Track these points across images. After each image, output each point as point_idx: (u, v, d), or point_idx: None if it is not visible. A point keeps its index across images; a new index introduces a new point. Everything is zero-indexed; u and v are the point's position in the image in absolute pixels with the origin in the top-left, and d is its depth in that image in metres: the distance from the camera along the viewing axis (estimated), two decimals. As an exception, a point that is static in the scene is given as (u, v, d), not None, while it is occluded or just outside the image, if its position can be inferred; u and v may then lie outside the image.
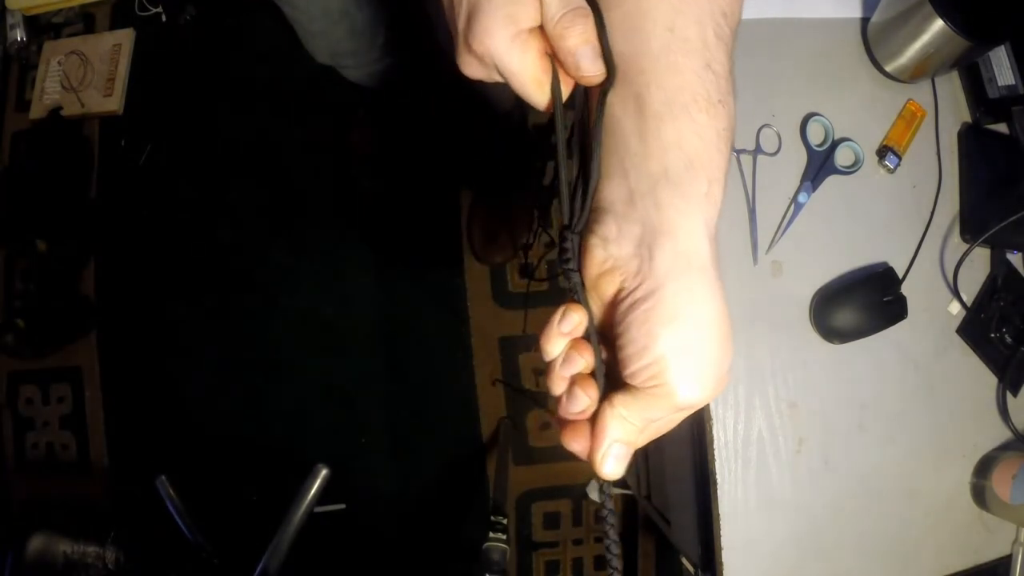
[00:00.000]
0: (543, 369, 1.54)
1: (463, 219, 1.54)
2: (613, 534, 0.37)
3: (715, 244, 0.32)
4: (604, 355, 0.35)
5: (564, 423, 0.35)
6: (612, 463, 0.34)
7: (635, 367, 0.32)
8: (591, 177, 0.34)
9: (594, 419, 0.34)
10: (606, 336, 0.35)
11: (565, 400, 0.35)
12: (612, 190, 0.33)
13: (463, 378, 1.48)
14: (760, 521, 0.67)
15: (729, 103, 0.33)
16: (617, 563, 0.38)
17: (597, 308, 0.35)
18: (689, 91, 0.32)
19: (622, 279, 0.33)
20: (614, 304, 0.33)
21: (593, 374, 0.35)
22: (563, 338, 0.35)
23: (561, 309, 0.34)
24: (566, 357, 0.35)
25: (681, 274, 0.31)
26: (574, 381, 0.35)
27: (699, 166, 0.32)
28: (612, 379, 0.35)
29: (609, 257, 0.33)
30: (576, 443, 0.35)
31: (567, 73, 0.34)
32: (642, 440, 0.34)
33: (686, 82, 0.32)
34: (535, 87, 0.35)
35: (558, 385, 0.35)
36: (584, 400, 0.34)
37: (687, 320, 0.31)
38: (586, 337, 0.35)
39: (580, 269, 0.34)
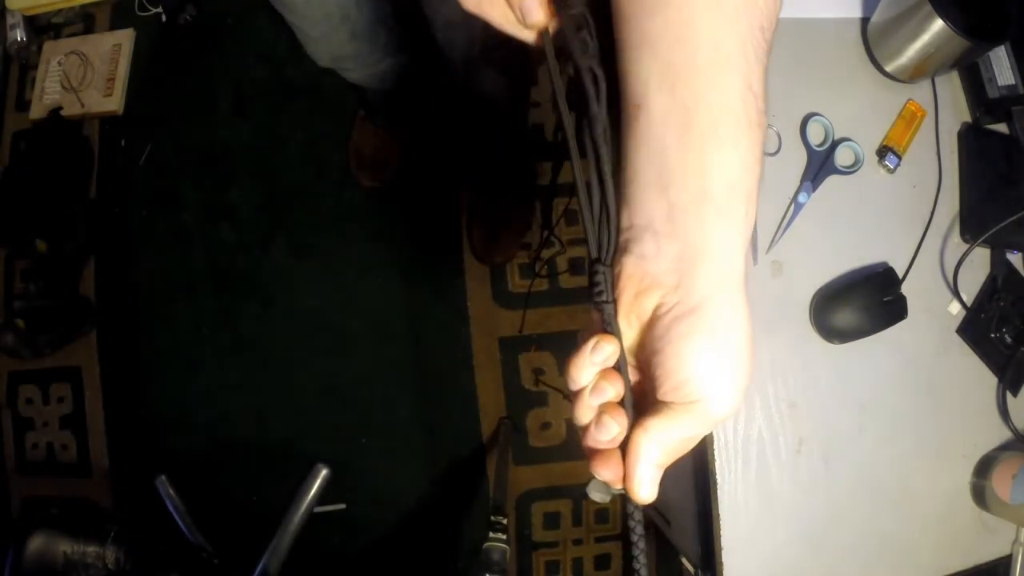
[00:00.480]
0: (543, 369, 1.54)
1: (463, 219, 1.54)
2: (641, 543, 0.37)
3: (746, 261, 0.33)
4: (633, 380, 0.35)
5: (593, 452, 0.35)
6: (648, 487, 0.34)
7: (674, 382, 0.33)
8: (610, 204, 0.34)
9: (624, 445, 0.34)
10: (636, 359, 0.35)
11: (594, 429, 0.35)
12: (650, 206, 0.33)
13: (463, 378, 1.48)
14: (760, 521, 0.67)
15: (764, 123, 0.33)
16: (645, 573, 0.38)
17: (632, 329, 0.35)
18: (733, 113, 0.32)
19: (661, 294, 0.33)
20: (652, 321, 0.34)
21: (622, 402, 0.35)
22: (594, 367, 0.35)
23: (593, 340, 0.34)
24: (595, 386, 0.35)
25: (723, 292, 0.32)
26: (603, 410, 0.35)
27: (739, 189, 0.32)
28: (638, 406, 0.35)
29: (647, 275, 0.33)
30: (608, 471, 0.35)
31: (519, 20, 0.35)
32: (670, 460, 0.34)
33: (731, 103, 0.32)
34: (511, 25, 0.36)
35: (585, 414, 0.35)
36: (615, 428, 0.34)
37: (726, 335, 0.32)
38: (617, 367, 0.35)
39: (613, 300, 0.35)
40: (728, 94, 0.32)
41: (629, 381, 0.35)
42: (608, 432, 0.34)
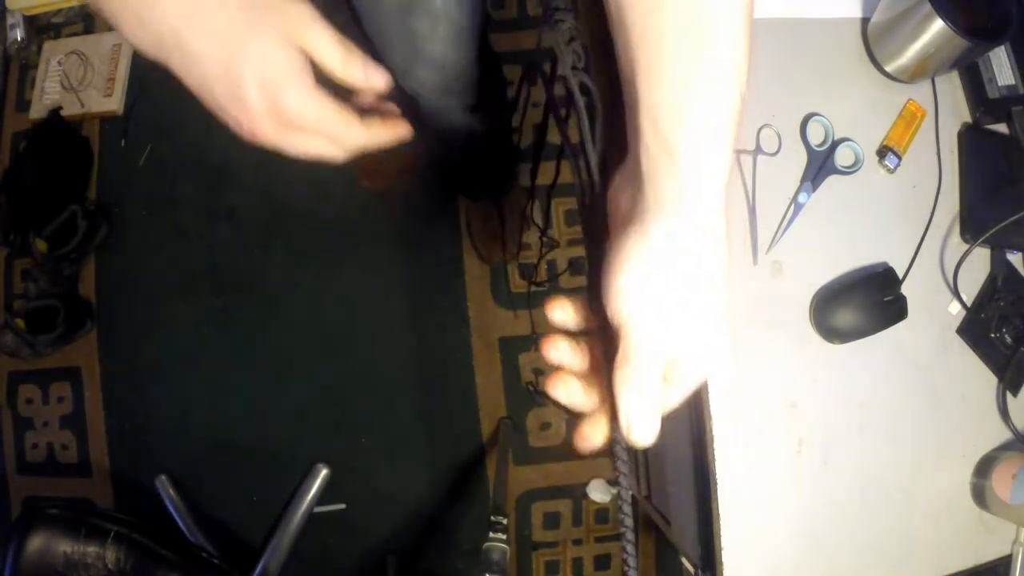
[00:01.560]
0: (543, 369, 1.54)
1: (463, 219, 1.54)
2: (629, 522, 0.38)
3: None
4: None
5: (585, 421, 0.39)
6: (639, 426, 0.36)
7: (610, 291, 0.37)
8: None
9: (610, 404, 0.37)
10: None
11: (582, 403, 0.38)
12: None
13: (463, 378, 1.48)
14: (760, 521, 0.67)
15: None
16: (632, 561, 0.39)
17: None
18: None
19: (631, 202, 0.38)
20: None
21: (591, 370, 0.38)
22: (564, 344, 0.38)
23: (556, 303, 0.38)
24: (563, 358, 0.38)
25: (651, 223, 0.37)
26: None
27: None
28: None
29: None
30: (599, 433, 0.38)
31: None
32: (657, 391, 0.37)
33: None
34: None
35: (562, 392, 0.38)
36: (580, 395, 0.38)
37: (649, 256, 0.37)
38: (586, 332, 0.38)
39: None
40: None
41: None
42: (579, 395, 0.38)
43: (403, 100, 0.92)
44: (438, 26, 0.77)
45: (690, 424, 0.82)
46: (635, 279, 0.36)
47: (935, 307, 0.73)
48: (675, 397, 0.38)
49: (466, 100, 0.94)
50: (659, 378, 0.36)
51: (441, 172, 1.48)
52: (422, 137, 1.09)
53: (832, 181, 0.72)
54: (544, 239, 1.51)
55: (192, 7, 0.36)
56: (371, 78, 0.41)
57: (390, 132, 0.43)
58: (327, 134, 0.41)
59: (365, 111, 0.43)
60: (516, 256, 1.51)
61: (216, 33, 0.36)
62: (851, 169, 0.73)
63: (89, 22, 1.70)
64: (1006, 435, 0.72)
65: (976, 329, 0.72)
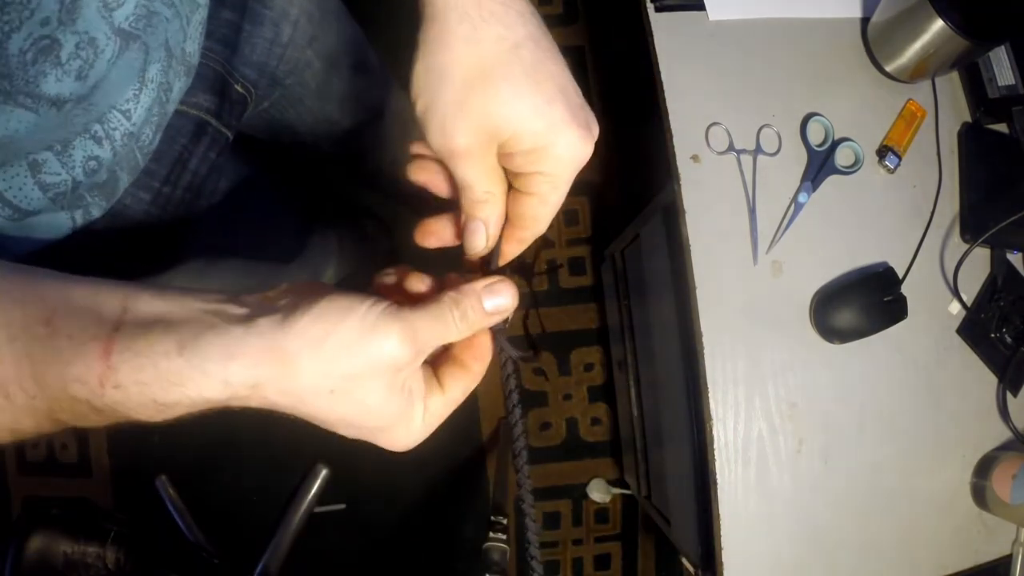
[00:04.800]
0: (543, 368, 1.54)
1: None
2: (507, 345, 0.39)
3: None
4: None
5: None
6: (476, 230, 0.37)
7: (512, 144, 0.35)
8: None
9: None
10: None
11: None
12: None
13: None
14: (760, 521, 0.67)
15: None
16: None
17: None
18: None
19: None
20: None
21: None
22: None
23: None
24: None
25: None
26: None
27: None
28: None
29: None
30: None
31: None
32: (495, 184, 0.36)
33: None
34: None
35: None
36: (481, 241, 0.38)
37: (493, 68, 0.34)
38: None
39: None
40: None
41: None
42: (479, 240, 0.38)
43: None
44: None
45: (690, 424, 0.83)
46: (442, 69, 0.34)
47: (935, 307, 0.73)
48: (550, 201, 0.37)
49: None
50: (484, 181, 0.36)
51: None
52: None
53: (832, 181, 0.72)
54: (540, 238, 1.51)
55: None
56: (498, 309, 0.35)
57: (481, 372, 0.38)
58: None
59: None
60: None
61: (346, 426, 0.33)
62: (851, 169, 0.73)
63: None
64: (1006, 435, 0.72)
65: (976, 329, 0.72)
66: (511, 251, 0.39)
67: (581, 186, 1.29)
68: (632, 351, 1.15)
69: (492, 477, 1.44)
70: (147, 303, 0.31)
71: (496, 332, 0.37)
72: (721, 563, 0.66)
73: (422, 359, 0.33)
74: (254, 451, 1.47)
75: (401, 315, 0.31)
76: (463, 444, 1.47)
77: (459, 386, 0.36)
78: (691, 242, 0.69)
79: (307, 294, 0.31)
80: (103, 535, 0.94)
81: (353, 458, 1.46)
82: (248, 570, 1.32)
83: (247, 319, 0.30)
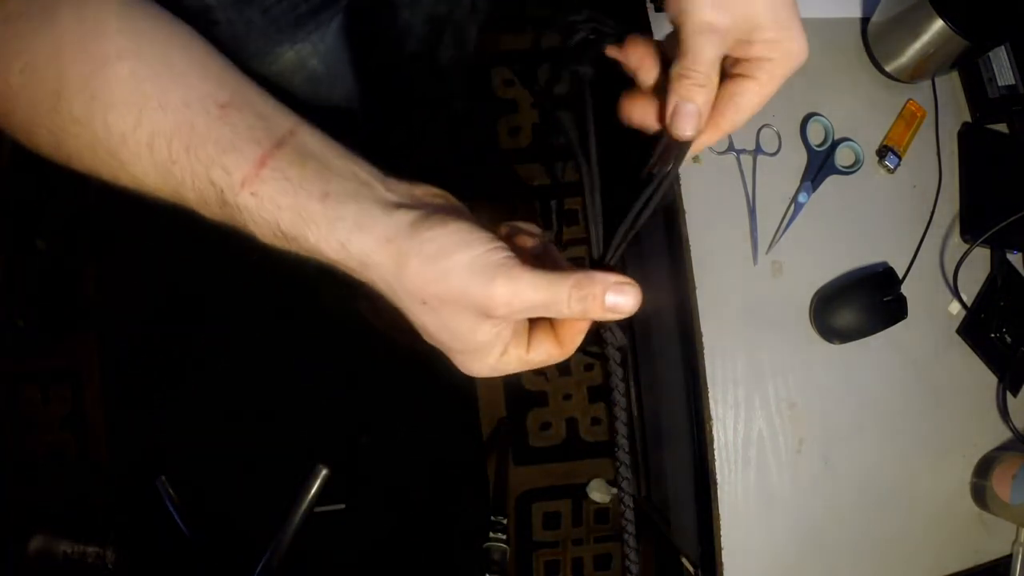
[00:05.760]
0: (544, 369, 1.53)
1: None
2: (631, 528, 0.38)
3: None
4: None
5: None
6: (687, 119, 0.36)
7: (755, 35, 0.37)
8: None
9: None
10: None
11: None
12: None
13: (463, 378, 1.48)
14: (760, 521, 0.67)
15: None
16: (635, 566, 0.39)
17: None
18: None
19: None
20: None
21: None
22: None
23: None
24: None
25: None
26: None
27: None
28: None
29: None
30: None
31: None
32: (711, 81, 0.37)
33: None
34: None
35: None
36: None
37: None
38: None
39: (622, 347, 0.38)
40: None
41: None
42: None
43: None
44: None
45: (690, 424, 0.82)
46: None
47: (935, 307, 0.73)
48: (764, 91, 0.38)
49: None
50: (714, 65, 0.36)
51: None
52: None
53: (832, 181, 0.72)
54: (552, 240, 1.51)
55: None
56: (615, 308, 0.34)
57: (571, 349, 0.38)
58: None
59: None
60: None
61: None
62: (851, 169, 0.73)
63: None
64: (1006, 435, 0.72)
65: (976, 329, 0.72)
66: (708, 140, 0.39)
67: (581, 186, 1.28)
68: (632, 351, 1.14)
69: (492, 477, 1.44)
70: (313, 138, 0.33)
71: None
72: (721, 563, 0.66)
73: (517, 317, 0.34)
74: (254, 451, 1.47)
75: (513, 272, 0.32)
76: (463, 444, 1.47)
77: (543, 353, 0.37)
78: (691, 242, 0.69)
79: (447, 210, 0.33)
80: (103, 535, 0.94)
81: (353, 458, 1.46)
82: (248, 570, 1.32)
83: (388, 205, 0.32)
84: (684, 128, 0.37)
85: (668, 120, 0.37)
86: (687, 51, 0.36)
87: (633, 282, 0.35)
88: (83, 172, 0.35)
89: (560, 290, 0.33)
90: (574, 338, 0.37)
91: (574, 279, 0.33)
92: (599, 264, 0.38)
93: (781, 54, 0.38)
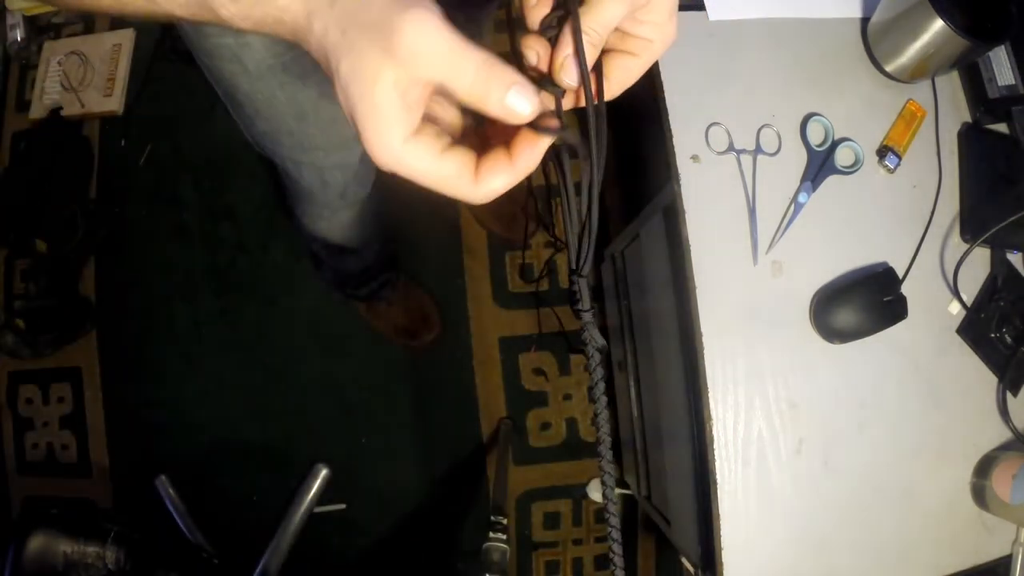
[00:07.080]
0: (543, 368, 1.53)
1: (462, 220, 1.54)
2: (615, 522, 0.38)
3: None
4: None
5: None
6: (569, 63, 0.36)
7: None
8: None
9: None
10: None
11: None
12: None
13: (463, 378, 1.48)
14: (760, 521, 0.67)
15: None
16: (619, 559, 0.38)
17: None
18: None
19: None
20: None
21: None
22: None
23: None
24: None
25: None
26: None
27: None
28: None
29: None
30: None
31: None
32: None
33: None
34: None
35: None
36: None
37: None
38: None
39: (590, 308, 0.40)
40: None
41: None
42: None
43: None
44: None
45: (690, 424, 0.83)
46: None
47: (935, 307, 0.73)
48: (642, 71, 0.39)
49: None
50: (611, 30, 0.37)
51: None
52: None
53: (832, 181, 0.72)
54: (553, 239, 1.51)
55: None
56: (513, 109, 0.33)
57: (525, 167, 0.35)
58: (446, 191, 0.36)
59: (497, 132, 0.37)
60: (537, 229, 1.50)
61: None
62: (851, 169, 0.73)
63: (89, 22, 1.70)
64: (1006, 435, 0.72)
65: (976, 329, 0.72)
66: (577, 104, 0.39)
67: (581, 186, 1.28)
68: (632, 351, 1.15)
69: (492, 477, 1.44)
70: None
71: (545, 133, 0.35)
72: (721, 563, 0.66)
73: (419, 73, 0.32)
74: (254, 451, 1.47)
75: (431, 18, 0.31)
76: (463, 444, 1.47)
77: (499, 179, 0.35)
78: (691, 242, 0.69)
79: None
80: (103, 535, 0.94)
81: (353, 458, 1.46)
82: (248, 570, 1.32)
83: None
84: (566, 79, 0.37)
85: (557, 67, 0.37)
86: (592, 7, 0.36)
87: (543, 92, 0.36)
88: None
89: (468, 60, 0.32)
90: (528, 153, 0.35)
91: (486, 57, 0.32)
92: (575, 273, 0.39)
93: (661, 39, 0.39)
